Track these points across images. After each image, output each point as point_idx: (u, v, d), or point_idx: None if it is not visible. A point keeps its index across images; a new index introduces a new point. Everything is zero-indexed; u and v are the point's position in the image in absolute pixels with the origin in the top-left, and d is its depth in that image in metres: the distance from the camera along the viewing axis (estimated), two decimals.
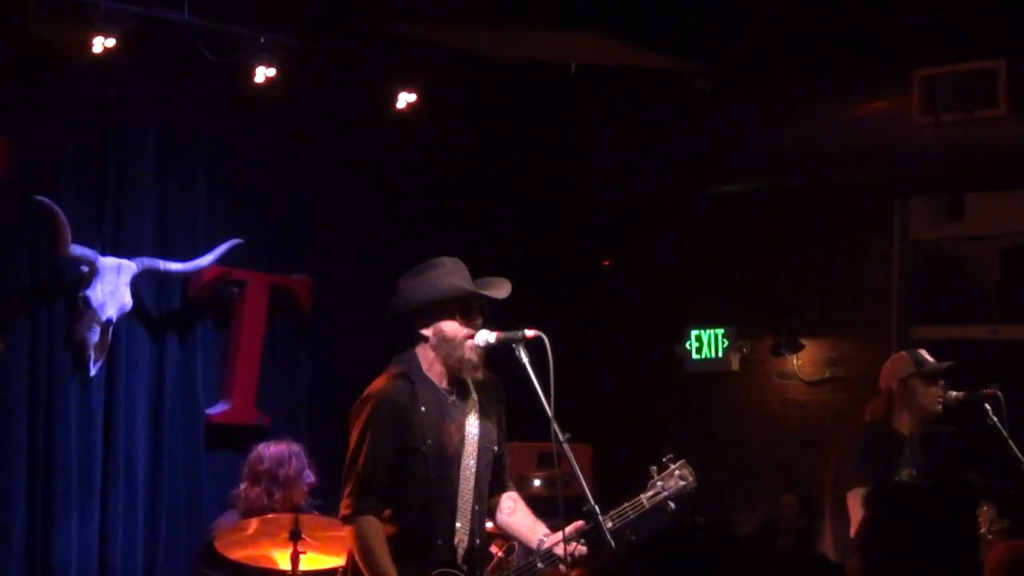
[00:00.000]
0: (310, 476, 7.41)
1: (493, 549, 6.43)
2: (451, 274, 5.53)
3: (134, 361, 7.95)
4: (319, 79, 8.71)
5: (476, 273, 5.62)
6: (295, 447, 7.45)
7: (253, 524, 6.72)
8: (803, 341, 10.06)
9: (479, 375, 5.56)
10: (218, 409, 8.37)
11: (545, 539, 5.46)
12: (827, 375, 10.07)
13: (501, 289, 5.55)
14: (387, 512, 5.43)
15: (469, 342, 5.48)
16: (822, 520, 7.16)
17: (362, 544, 5.37)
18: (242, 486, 7.38)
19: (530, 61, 9.34)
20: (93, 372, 7.67)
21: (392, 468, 5.42)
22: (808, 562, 3.29)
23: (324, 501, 7.55)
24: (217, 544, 6.80)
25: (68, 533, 7.53)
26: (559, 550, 5.34)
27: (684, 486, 5.57)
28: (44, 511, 7.48)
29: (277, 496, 7.28)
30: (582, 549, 5.33)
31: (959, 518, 3.33)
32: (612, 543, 5.11)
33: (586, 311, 10.39)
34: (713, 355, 10.30)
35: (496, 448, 5.64)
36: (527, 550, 5.64)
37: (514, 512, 5.73)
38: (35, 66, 7.49)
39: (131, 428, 7.88)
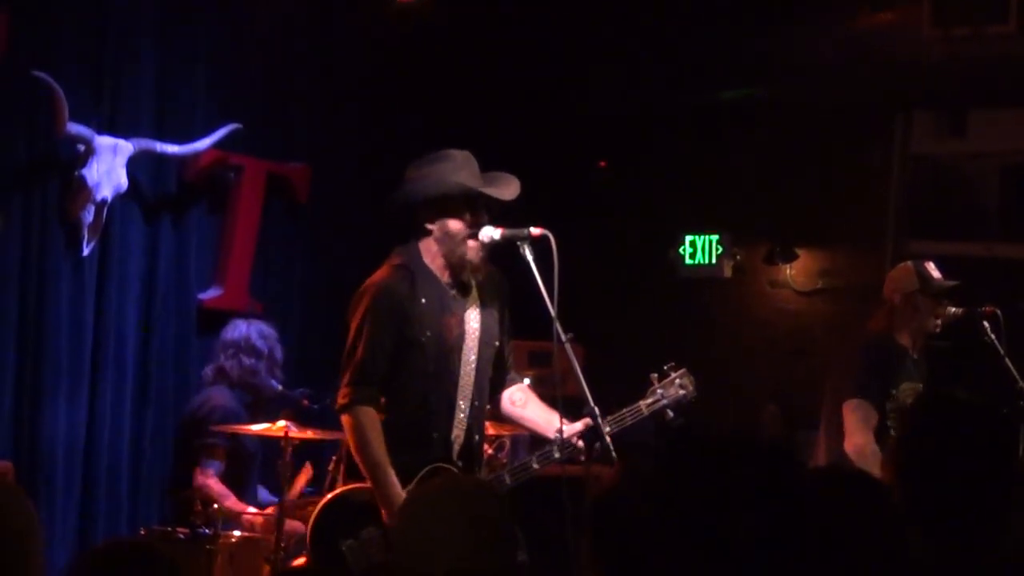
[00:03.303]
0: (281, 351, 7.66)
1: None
2: (460, 169, 5.47)
3: (127, 242, 7.88)
4: None
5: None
6: (264, 323, 7.67)
7: None
8: (797, 250, 10.02)
9: (480, 276, 5.54)
10: (211, 294, 8.33)
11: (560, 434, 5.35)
12: (820, 285, 10.05)
13: (509, 188, 5.50)
14: (383, 403, 5.42)
15: (472, 242, 5.45)
16: (809, 431, 7.16)
17: (358, 434, 5.36)
18: (227, 361, 7.48)
19: None
20: (86, 252, 7.59)
21: (391, 359, 5.40)
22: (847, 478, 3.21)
23: (314, 390, 7.57)
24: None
25: (57, 410, 7.49)
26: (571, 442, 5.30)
27: (684, 395, 5.54)
28: (33, 388, 7.44)
29: (268, 364, 7.51)
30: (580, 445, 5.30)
31: (1006, 438, 3.29)
32: (611, 447, 5.10)
33: (580, 213, 10.31)
34: (706, 261, 10.25)
35: (497, 343, 5.63)
36: (541, 440, 5.56)
37: (527, 404, 5.72)
38: None
39: (122, 309, 7.83)
